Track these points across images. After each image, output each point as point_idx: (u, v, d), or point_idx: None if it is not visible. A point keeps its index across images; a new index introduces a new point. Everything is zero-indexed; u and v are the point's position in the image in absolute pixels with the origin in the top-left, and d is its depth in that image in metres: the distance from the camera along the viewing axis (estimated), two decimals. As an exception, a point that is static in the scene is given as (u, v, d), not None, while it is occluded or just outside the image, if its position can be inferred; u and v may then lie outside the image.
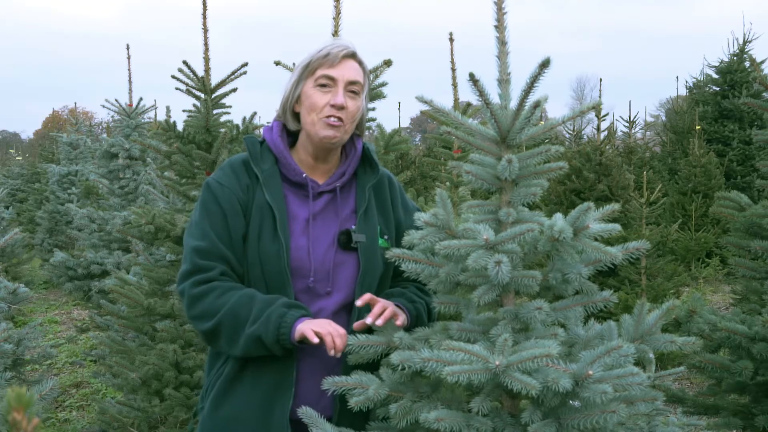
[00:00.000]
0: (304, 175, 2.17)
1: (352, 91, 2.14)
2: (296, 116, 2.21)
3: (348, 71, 2.13)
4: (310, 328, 1.95)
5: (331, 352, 1.95)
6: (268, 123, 2.33)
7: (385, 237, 2.22)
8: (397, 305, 2.11)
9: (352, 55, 2.15)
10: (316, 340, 1.94)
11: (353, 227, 2.17)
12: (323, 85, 2.12)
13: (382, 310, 2.04)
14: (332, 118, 2.10)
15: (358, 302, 2.05)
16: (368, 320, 2.01)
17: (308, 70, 2.14)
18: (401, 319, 2.07)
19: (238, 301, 2.03)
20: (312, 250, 2.12)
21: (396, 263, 1.98)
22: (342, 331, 1.98)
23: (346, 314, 2.15)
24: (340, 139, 2.15)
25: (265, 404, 2.07)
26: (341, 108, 2.11)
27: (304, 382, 2.08)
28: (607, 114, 9.97)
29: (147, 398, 4.12)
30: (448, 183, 5.29)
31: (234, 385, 2.11)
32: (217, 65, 4.55)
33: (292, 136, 2.25)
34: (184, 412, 4.07)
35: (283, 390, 2.06)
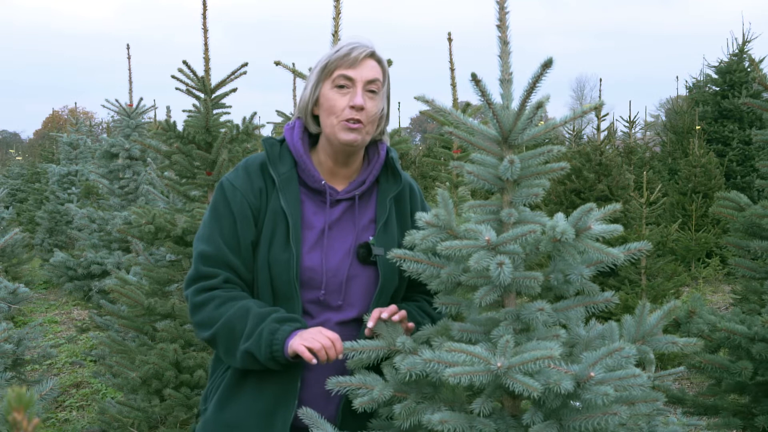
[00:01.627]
0: (323, 182, 2.11)
1: (371, 91, 2.08)
2: (316, 118, 2.15)
3: (367, 71, 2.07)
4: (302, 344, 1.90)
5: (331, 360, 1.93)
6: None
7: None
8: None
9: (371, 55, 2.09)
10: (314, 360, 1.89)
11: (371, 239, 2.11)
12: (341, 86, 2.06)
13: (396, 311, 2.01)
14: (352, 122, 2.04)
15: (369, 324, 1.98)
16: (384, 315, 1.97)
17: (326, 71, 2.08)
18: (411, 324, 2.05)
19: (234, 314, 1.99)
20: (325, 262, 2.07)
21: (410, 276, 1.95)
22: (334, 336, 1.93)
23: (356, 327, 2.09)
24: (362, 141, 2.09)
25: (267, 412, 2.02)
26: (360, 109, 2.05)
27: (309, 391, 2.05)
28: (607, 114, 9.98)
29: (147, 398, 4.11)
30: (447, 183, 5.29)
31: (237, 391, 2.07)
32: (214, 65, 4.55)
33: (312, 137, 2.19)
34: (184, 412, 4.07)
35: (286, 399, 2.02)
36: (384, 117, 2.16)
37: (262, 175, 2.11)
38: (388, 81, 2.16)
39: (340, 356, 1.93)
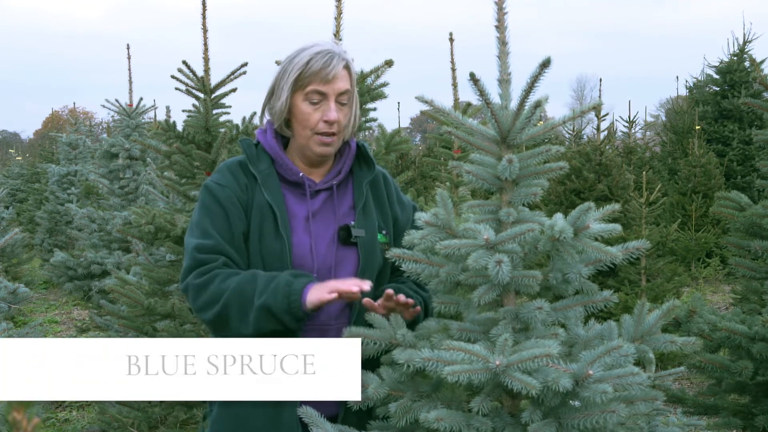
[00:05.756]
0: (300, 174, 2.19)
1: (341, 102, 2.15)
2: (288, 123, 2.21)
3: (339, 83, 2.13)
4: (324, 292, 1.95)
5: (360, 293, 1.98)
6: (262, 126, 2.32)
7: (384, 232, 2.24)
8: None
9: (343, 66, 2.14)
10: (334, 295, 1.94)
11: (352, 223, 2.18)
12: (314, 101, 2.12)
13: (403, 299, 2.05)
14: (326, 135, 2.13)
15: (362, 288, 2.02)
16: (400, 298, 2.01)
17: (299, 84, 2.13)
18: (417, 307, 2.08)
19: (242, 280, 2.03)
20: (314, 248, 2.14)
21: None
22: (356, 281, 1.98)
23: (348, 310, 2.17)
24: (334, 150, 2.19)
25: (274, 403, 2.05)
26: (334, 123, 2.12)
27: None
28: (607, 114, 9.98)
29: (147, 398, 4.12)
30: (448, 183, 5.29)
31: None
32: (214, 65, 4.56)
33: (284, 139, 2.26)
34: (183, 412, 4.07)
35: None
36: (354, 120, 2.22)
37: (243, 172, 2.19)
38: (355, 85, 2.21)
39: (366, 287, 1.97)
